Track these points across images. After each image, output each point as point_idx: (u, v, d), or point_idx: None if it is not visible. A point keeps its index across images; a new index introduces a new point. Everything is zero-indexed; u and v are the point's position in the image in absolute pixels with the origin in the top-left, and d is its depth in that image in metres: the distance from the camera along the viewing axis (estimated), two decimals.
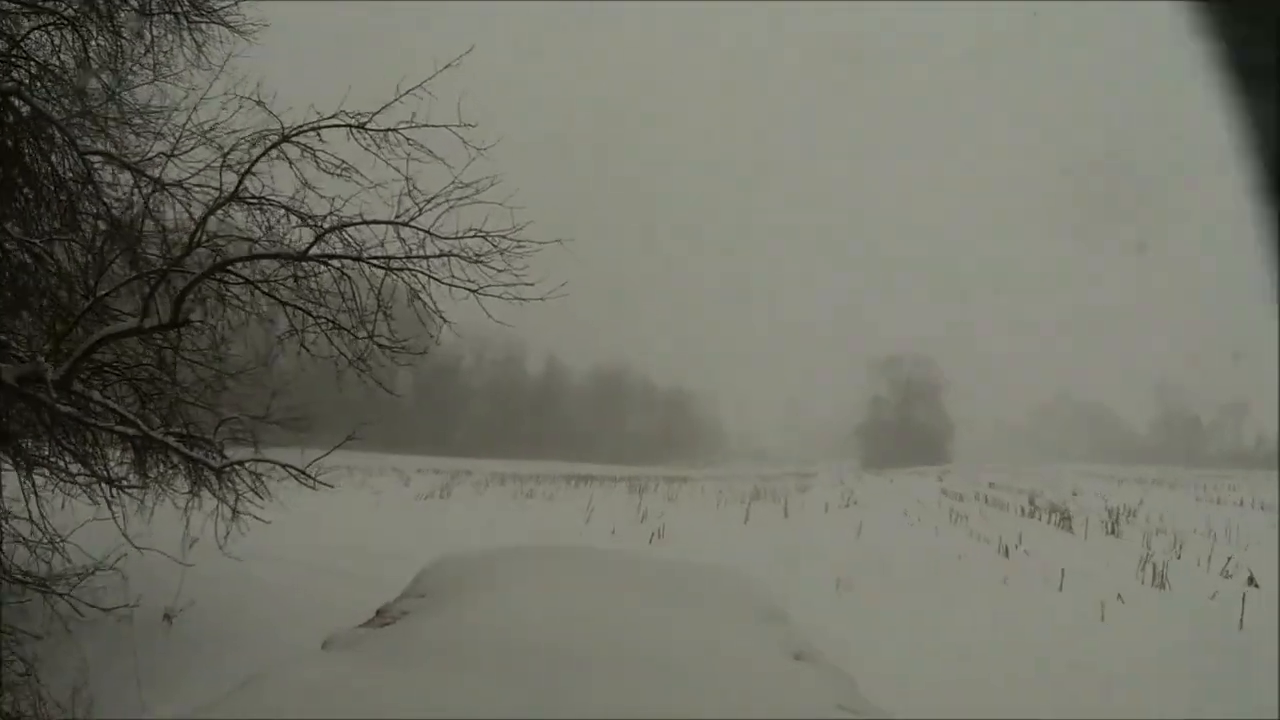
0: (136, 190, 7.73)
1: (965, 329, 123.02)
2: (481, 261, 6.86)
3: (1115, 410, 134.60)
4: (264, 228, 7.28)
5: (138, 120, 8.48)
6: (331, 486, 7.77)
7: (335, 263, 6.98)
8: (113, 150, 8.08)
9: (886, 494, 28.57)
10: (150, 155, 8.11)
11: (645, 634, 4.47)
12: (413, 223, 6.71)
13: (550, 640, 4.15)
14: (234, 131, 7.20)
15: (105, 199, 7.33)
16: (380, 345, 7.55)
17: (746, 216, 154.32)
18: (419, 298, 7.22)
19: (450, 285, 7.03)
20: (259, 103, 6.55)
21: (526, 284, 6.98)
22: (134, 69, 8.09)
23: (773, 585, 7.65)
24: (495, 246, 6.84)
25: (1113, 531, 18.06)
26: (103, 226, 7.29)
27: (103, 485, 7.77)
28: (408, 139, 6.68)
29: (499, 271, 6.92)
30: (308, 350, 7.59)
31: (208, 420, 8.16)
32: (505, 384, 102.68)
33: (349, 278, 7.16)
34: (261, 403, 8.22)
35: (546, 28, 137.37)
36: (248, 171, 6.61)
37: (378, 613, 5.24)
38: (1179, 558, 14.86)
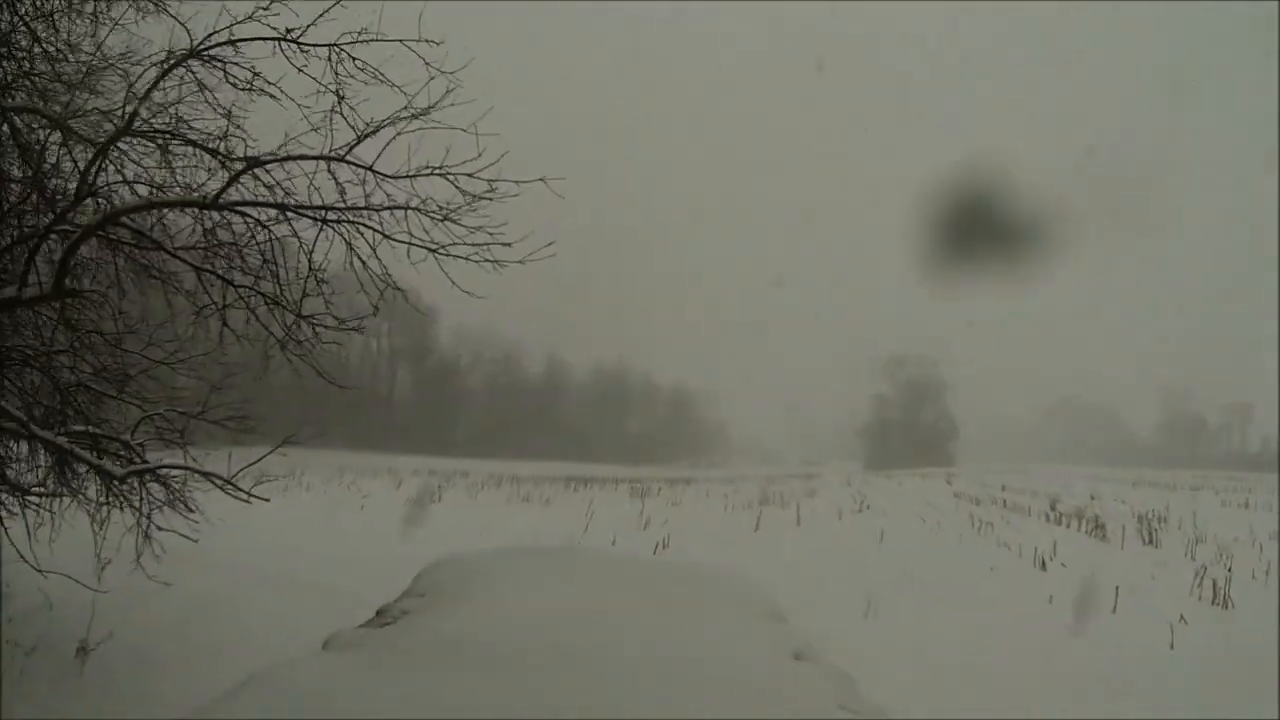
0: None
1: (967, 330, 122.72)
2: (450, 219, 5.52)
3: (1119, 412, 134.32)
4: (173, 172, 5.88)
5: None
6: (266, 499, 6.43)
7: (253, 213, 5.50)
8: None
9: (897, 497, 27.29)
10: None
11: (645, 634, 4.42)
12: (348, 157, 5.26)
13: (550, 640, 4.12)
14: (149, 56, 5.83)
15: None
16: (308, 321, 6.01)
17: (747, 213, 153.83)
18: (359, 258, 5.73)
19: (405, 245, 5.63)
20: (163, 9, 5.19)
21: (502, 243, 5.59)
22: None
23: (797, 608, 6.94)
24: (459, 188, 5.41)
25: (1150, 540, 16.77)
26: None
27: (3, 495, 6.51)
28: (354, 58, 5.29)
29: (472, 231, 5.56)
30: (228, 327, 6.12)
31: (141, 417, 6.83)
32: (505, 383, 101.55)
33: (271, 234, 5.70)
34: (206, 396, 6.91)
35: (549, 22, 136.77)
36: (145, 97, 5.21)
37: (378, 613, 5.18)
38: (1230, 570, 13.58)
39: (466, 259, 5.63)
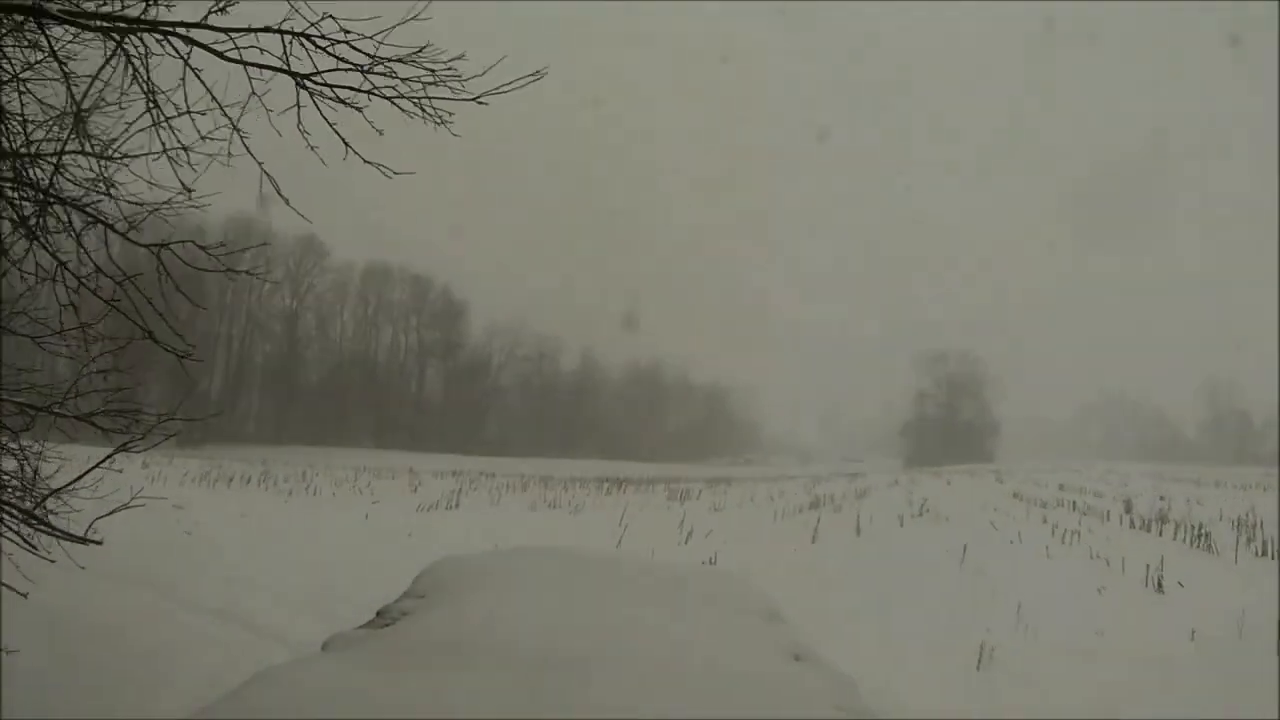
0: None
1: (1007, 325, 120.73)
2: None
3: (1162, 408, 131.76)
4: None
5: None
6: (98, 543, 4.37)
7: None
8: None
9: (954, 499, 25.16)
10: None
11: (644, 635, 4.33)
12: None
13: (550, 641, 4.03)
14: None
15: None
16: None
17: (787, 211, 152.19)
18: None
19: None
20: None
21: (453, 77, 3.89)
22: None
23: (891, 658, 6.68)
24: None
25: (1266, 552, 14.59)
26: None
27: None
28: None
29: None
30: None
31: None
32: (538, 382, 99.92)
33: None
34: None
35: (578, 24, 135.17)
36: None
37: (378, 613, 5.05)
38: None
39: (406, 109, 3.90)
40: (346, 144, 4.07)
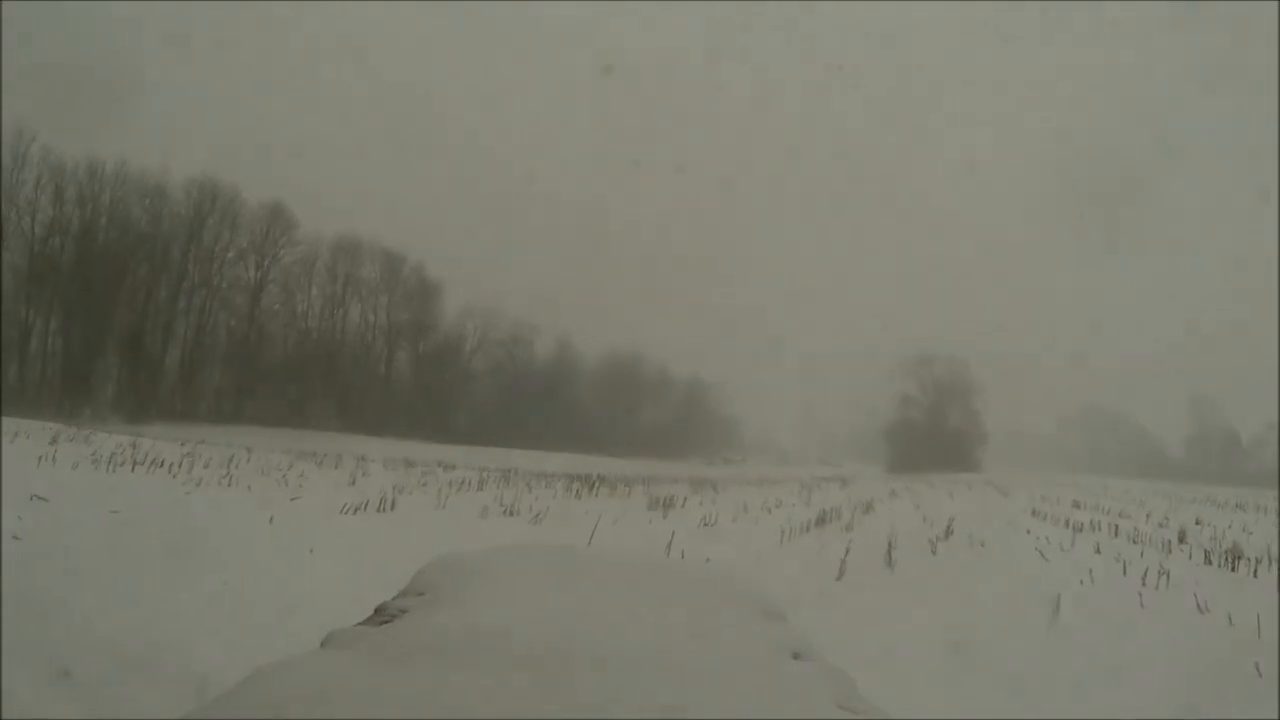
0: None
1: (990, 334, 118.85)
2: None
3: (1145, 423, 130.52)
4: None
5: None
6: None
7: None
8: None
9: (972, 516, 22.05)
10: None
11: (643, 633, 4.07)
12: None
13: (549, 639, 3.75)
14: None
15: None
16: None
17: (774, 205, 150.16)
18: None
19: None
20: None
21: None
22: None
23: None
24: None
25: None
26: None
27: None
28: None
29: None
30: None
31: None
32: (511, 368, 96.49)
33: None
34: None
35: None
36: None
37: (376, 611, 4.56)
38: None
39: None
40: None
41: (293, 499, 15.47)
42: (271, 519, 12.66)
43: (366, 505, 14.94)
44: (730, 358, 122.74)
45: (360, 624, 4.50)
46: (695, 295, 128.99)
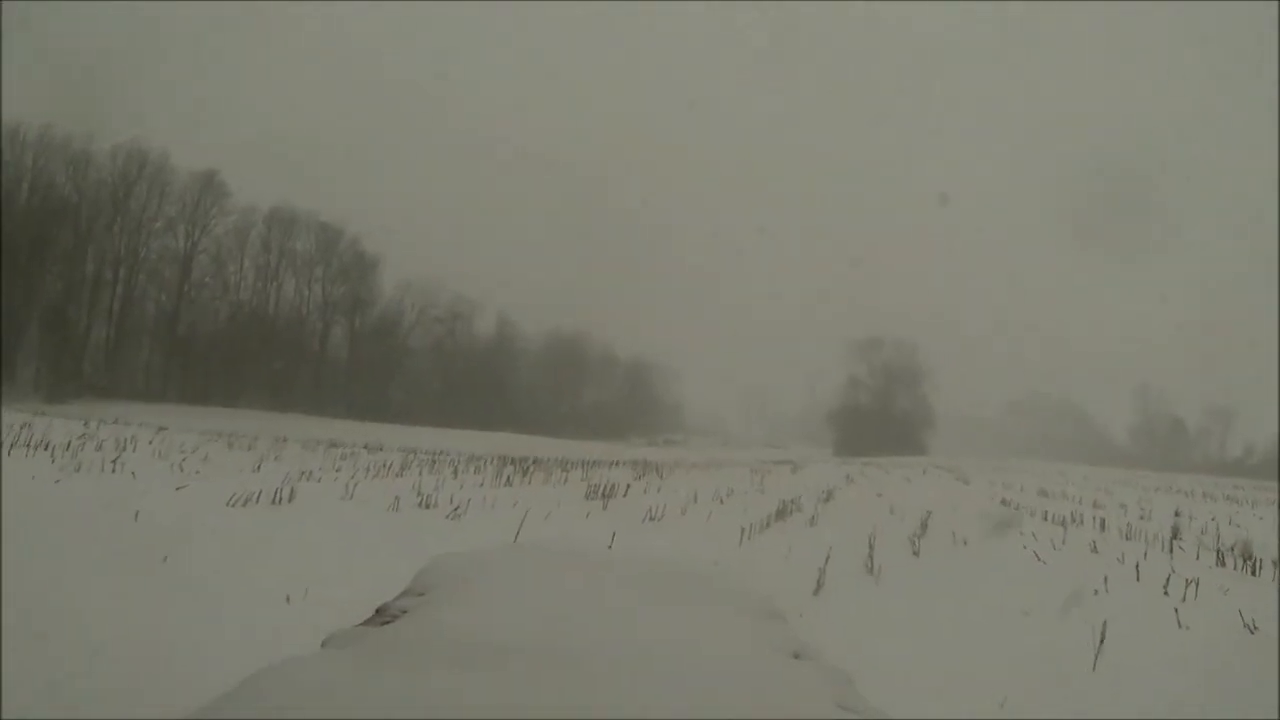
0: None
1: (939, 319, 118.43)
2: None
3: (1089, 410, 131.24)
4: None
5: None
6: None
7: None
8: None
9: (942, 507, 20.18)
10: None
11: (644, 633, 4.10)
12: None
13: (550, 640, 3.80)
14: None
15: None
16: None
17: (726, 185, 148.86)
18: None
19: None
20: None
21: None
22: None
23: None
24: None
25: None
26: None
27: None
28: None
29: None
30: None
31: None
32: (450, 345, 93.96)
33: None
34: None
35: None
36: None
37: (377, 611, 4.59)
38: None
39: None
40: None
41: (178, 488, 13.11)
42: (137, 515, 10.34)
43: (259, 496, 12.63)
44: (676, 338, 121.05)
45: (361, 624, 4.47)
46: (643, 276, 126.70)
